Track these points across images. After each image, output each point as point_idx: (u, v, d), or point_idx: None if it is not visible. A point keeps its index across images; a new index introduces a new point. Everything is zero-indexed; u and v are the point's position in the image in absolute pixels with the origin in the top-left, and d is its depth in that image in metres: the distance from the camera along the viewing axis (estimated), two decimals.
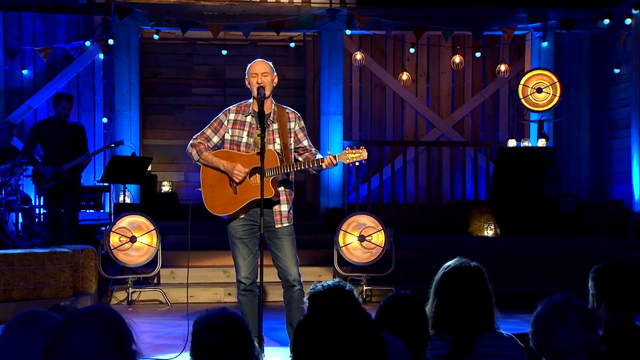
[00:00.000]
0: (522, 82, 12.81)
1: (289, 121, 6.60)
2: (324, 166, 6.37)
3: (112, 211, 12.13)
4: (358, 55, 13.79)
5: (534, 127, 13.24)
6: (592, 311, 3.21)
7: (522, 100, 12.77)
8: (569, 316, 3.11)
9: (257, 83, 6.43)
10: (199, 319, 3.04)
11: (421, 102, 14.78)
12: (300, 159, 6.65)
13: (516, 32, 13.47)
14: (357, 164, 6.41)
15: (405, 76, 14.16)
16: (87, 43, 13.50)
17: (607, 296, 3.82)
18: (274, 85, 6.61)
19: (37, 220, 11.77)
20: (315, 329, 1.97)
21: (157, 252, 10.19)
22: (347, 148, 6.47)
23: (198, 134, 6.70)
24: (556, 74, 12.93)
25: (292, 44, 13.74)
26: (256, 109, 6.43)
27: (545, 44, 13.44)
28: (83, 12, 13.68)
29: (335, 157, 6.36)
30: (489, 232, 12.15)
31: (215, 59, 14.17)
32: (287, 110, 6.65)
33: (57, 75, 13.66)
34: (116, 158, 11.45)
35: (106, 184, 12.19)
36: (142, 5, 12.90)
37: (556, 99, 12.72)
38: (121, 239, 10.09)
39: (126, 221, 10.21)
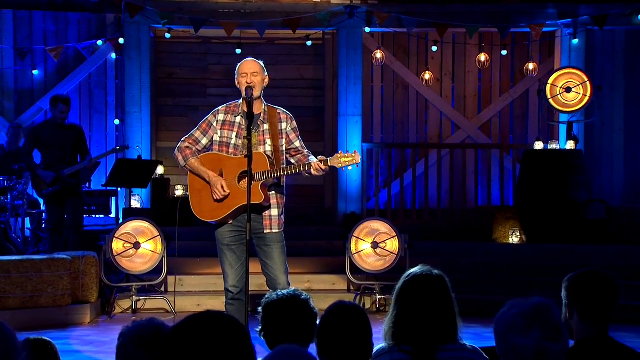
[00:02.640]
0: (550, 81, 12.70)
1: (280, 122, 6.61)
2: (313, 171, 6.36)
3: (120, 216, 12.18)
4: (378, 54, 13.76)
5: (563, 129, 13.13)
6: (560, 321, 3.16)
7: (550, 101, 12.66)
8: (536, 322, 3.07)
9: (247, 83, 6.45)
10: (124, 330, 3.03)
11: (446, 103, 14.72)
12: (292, 161, 6.66)
13: (545, 29, 13.38)
14: (349, 168, 6.38)
15: (427, 75, 14.12)
16: (99, 42, 13.61)
17: (580, 306, 3.77)
18: (265, 85, 6.63)
19: (44, 225, 11.86)
20: (180, 340, 1.97)
21: (162, 259, 10.20)
22: (339, 152, 6.48)
23: (186, 136, 6.73)
24: (586, 72, 12.79)
25: (309, 43, 13.75)
26: (246, 110, 6.45)
27: (575, 41, 13.33)
28: (95, 10, 13.79)
29: (326, 161, 6.35)
30: (514, 239, 12.04)
31: (230, 58, 14.17)
32: (278, 111, 6.66)
33: (68, 76, 13.81)
34: (122, 161, 11.50)
35: (113, 188, 12.24)
36: (154, 2, 12.97)
37: (586, 99, 12.58)
38: (125, 245, 10.13)
39: (130, 227, 10.24)
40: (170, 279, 10.86)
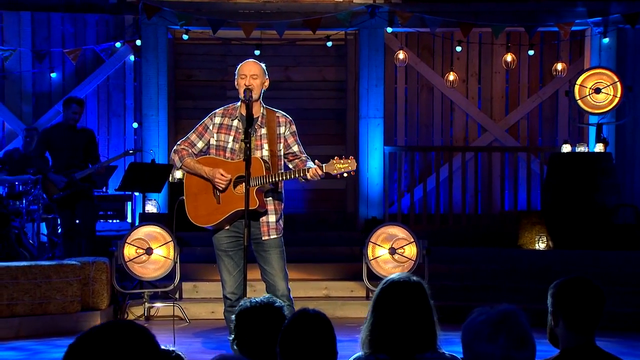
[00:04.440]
0: (578, 82, 12.57)
1: (279, 126, 6.60)
2: (308, 177, 6.35)
3: (135, 221, 12.22)
4: (401, 55, 13.68)
5: (592, 131, 13.00)
6: (527, 328, 3.12)
7: (579, 102, 12.54)
8: (502, 330, 3.04)
9: (245, 85, 6.46)
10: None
11: (472, 105, 14.61)
12: (290, 166, 6.65)
13: (574, 28, 13.25)
14: (345, 175, 6.34)
15: (451, 77, 14.03)
16: (118, 44, 13.67)
17: (565, 314, 3.73)
18: (265, 88, 6.63)
19: (59, 231, 11.92)
20: (85, 350, 1.96)
21: (174, 265, 10.20)
22: (335, 158, 6.44)
23: (182, 139, 6.77)
24: (616, 72, 12.66)
25: (329, 43, 13.70)
26: (244, 113, 6.46)
27: (606, 40, 13.20)
28: (113, 12, 13.85)
29: (321, 167, 6.34)
30: (541, 245, 11.93)
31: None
32: (277, 114, 6.66)
33: (86, 78, 13.88)
34: (134, 165, 11.53)
35: (129, 193, 12.28)
36: (172, 3, 13.00)
37: (617, 100, 12.45)
38: (137, 251, 10.13)
39: (142, 232, 10.24)
40: (186, 285, 10.89)
